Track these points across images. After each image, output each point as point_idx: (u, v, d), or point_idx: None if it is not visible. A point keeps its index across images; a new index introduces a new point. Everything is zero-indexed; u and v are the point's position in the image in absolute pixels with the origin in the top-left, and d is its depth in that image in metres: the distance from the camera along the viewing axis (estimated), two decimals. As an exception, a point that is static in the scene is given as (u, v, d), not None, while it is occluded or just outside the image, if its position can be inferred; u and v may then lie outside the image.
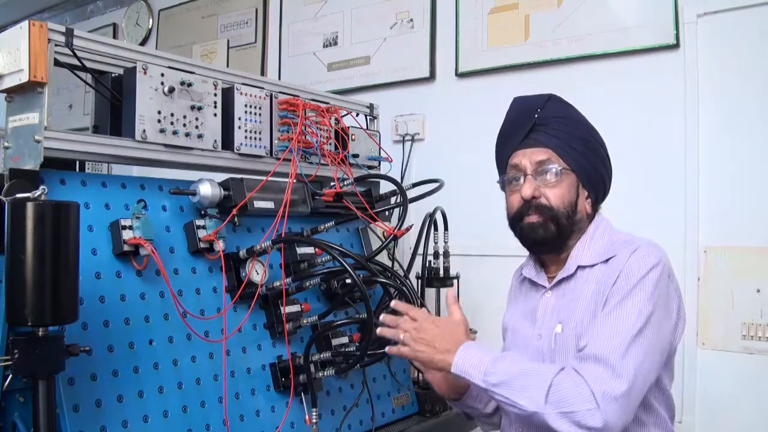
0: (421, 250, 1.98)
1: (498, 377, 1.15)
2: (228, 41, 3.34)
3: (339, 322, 1.61)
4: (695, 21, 2.06)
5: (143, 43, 3.63)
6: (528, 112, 1.33)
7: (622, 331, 1.14)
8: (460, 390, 1.42)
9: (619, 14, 2.21)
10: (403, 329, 1.27)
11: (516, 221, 1.33)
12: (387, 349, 1.32)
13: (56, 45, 1.29)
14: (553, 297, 1.33)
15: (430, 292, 2.11)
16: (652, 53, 2.14)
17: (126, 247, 1.33)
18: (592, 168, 1.32)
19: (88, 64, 1.43)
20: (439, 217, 2.01)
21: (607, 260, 1.26)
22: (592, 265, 1.28)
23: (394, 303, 1.34)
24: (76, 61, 1.39)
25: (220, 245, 1.49)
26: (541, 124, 1.31)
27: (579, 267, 1.30)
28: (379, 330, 1.31)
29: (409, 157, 2.62)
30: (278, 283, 1.56)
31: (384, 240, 1.52)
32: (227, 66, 3.21)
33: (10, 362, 1.09)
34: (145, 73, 1.41)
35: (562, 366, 1.16)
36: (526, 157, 1.31)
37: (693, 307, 1.99)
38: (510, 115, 1.38)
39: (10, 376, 1.15)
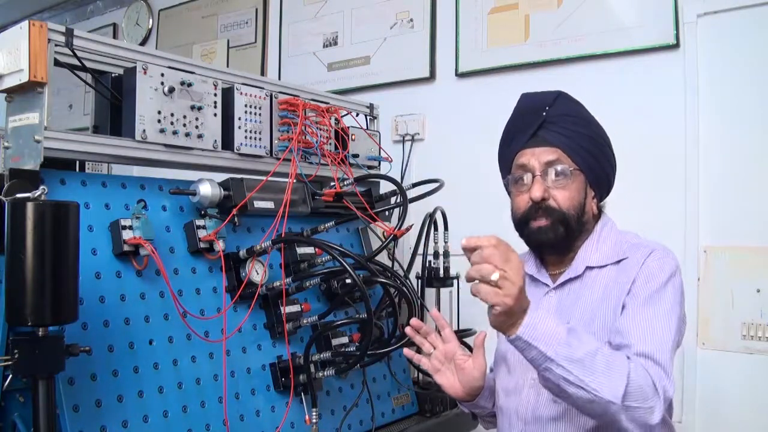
0: (421, 250, 1.98)
1: (577, 352, 1.00)
2: (228, 41, 3.34)
3: (339, 322, 1.61)
4: (695, 21, 2.06)
5: (143, 43, 3.62)
6: (536, 110, 1.29)
7: (662, 330, 1.11)
8: (475, 392, 1.36)
9: (619, 14, 2.21)
10: (494, 265, 0.98)
11: (523, 224, 1.29)
12: (472, 287, 1.01)
13: (56, 45, 1.29)
14: (555, 297, 1.31)
15: (430, 292, 2.11)
16: (652, 53, 2.14)
17: (126, 247, 1.33)
18: (599, 168, 1.29)
19: (88, 64, 1.44)
20: (439, 217, 2.01)
21: (619, 262, 1.24)
22: (601, 267, 1.26)
23: (465, 241, 1.01)
24: (76, 61, 1.39)
25: (220, 245, 1.49)
26: (549, 122, 1.27)
27: (587, 267, 1.27)
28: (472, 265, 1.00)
29: (409, 157, 2.62)
30: (278, 283, 1.56)
31: (384, 240, 1.52)
32: (227, 66, 3.21)
33: (10, 362, 1.09)
34: (145, 73, 1.41)
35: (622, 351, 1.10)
36: (534, 157, 1.27)
37: (693, 307, 1.99)
38: (517, 112, 1.34)
39: (10, 376, 1.15)
